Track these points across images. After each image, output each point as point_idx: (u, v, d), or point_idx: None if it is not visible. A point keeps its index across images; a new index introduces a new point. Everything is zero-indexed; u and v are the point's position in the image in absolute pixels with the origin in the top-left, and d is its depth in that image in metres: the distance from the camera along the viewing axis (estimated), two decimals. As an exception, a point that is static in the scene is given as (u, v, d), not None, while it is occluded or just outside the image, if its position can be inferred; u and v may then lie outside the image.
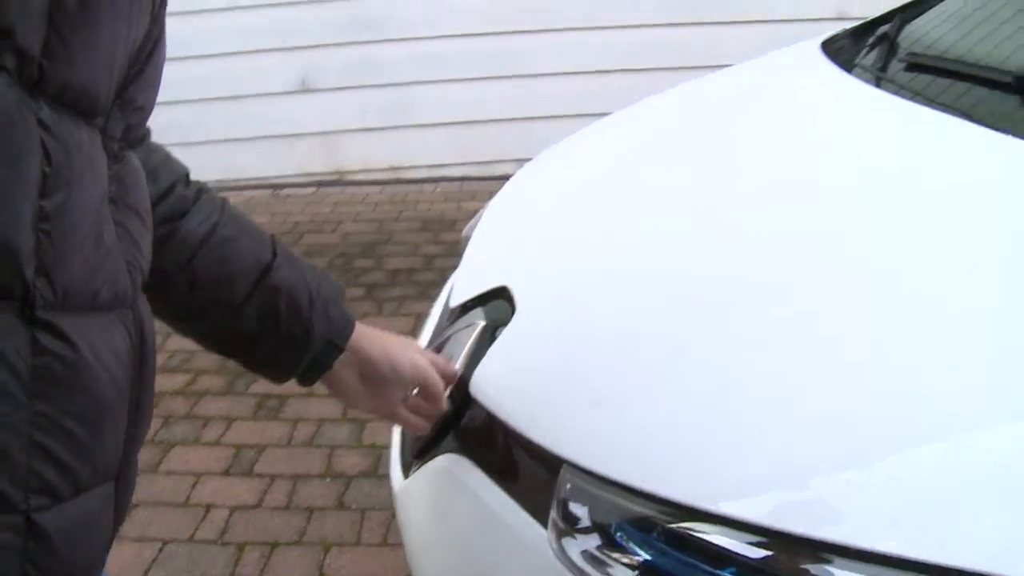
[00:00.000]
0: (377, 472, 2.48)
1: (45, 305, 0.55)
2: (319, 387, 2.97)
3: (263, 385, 2.96)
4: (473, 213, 4.64)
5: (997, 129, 1.16)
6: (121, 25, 0.57)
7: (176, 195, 0.88)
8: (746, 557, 0.77)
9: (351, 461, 2.52)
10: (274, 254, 0.93)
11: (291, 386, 3.05)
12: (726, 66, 1.98)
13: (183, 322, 0.91)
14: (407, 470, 1.27)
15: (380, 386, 1.03)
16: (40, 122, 0.53)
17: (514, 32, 4.53)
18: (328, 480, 2.44)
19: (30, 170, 0.53)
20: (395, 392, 1.05)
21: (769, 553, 0.77)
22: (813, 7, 4.25)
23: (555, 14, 4.50)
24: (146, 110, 0.64)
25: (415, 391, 1.10)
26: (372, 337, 1.02)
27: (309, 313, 0.94)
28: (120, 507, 0.64)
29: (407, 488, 1.24)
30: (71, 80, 0.54)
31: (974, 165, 1.14)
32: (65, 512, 0.57)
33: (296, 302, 0.93)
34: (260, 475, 2.46)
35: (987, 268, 0.94)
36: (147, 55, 0.61)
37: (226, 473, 2.48)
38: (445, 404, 1.11)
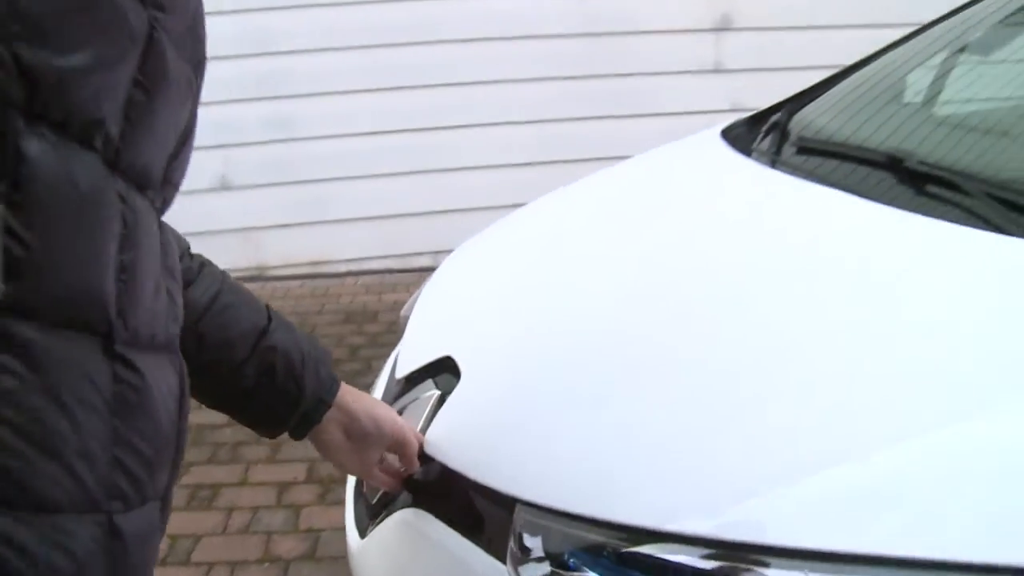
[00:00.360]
0: (315, 555, 2.52)
1: (121, 342, 0.65)
2: (252, 476, 2.98)
3: (195, 476, 2.98)
4: (394, 304, 4.72)
5: (875, 200, 1.34)
6: (172, 114, 0.69)
7: (183, 265, 0.98)
8: (694, 567, 0.90)
9: (288, 546, 2.56)
10: (269, 319, 1.04)
11: (223, 476, 3.06)
12: (629, 156, 2.15)
13: (190, 376, 1.01)
14: (363, 531, 1.36)
15: (362, 442, 1.13)
16: (117, 193, 0.64)
17: (428, 129, 4.70)
18: (267, 565, 2.47)
19: (113, 231, 0.63)
20: (375, 449, 1.15)
21: (717, 564, 0.89)
22: (708, 101, 4.53)
23: (466, 111, 4.70)
24: (178, 187, 0.75)
25: (390, 455, 1.20)
26: (357, 396, 1.13)
27: (301, 371, 1.04)
28: (162, 527, 0.73)
29: (365, 547, 1.33)
30: (136, 160, 0.65)
31: (858, 231, 1.32)
32: (134, 517, 0.66)
33: (290, 362, 1.03)
34: (197, 563, 2.48)
35: (873, 315, 1.10)
36: (184, 139, 0.73)
37: (163, 563, 2.49)
38: (417, 465, 1.21)
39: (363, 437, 1.14)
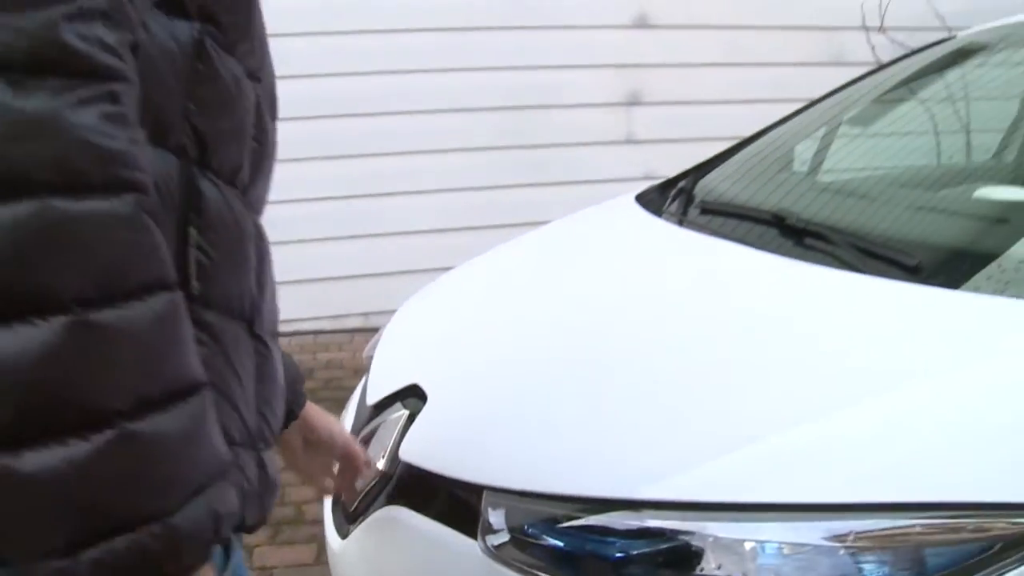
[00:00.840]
0: (265, 592, 2.72)
1: (258, 327, 0.87)
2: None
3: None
4: (327, 363, 4.90)
5: (759, 248, 1.66)
6: (272, 161, 0.91)
7: None
8: (633, 528, 1.16)
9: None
10: None
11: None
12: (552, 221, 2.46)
13: None
14: (344, 534, 1.59)
15: (315, 449, 1.33)
16: (252, 220, 0.87)
17: (359, 196, 4.92)
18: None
19: (252, 248, 0.86)
20: (326, 457, 1.36)
21: (656, 524, 1.16)
22: (622, 169, 4.87)
23: (397, 179, 4.94)
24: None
25: (338, 468, 1.42)
26: (318, 411, 1.34)
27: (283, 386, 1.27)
28: None
29: (346, 547, 1.56)
30: (255, 196, 0.88)
31: (748, 272, 1.63)
32: (268, 457, 0.88)
33: None
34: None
35: (765, 332, 1.41)
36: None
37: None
38: (367, 469, 1.39)
39: (317, 445, 1.34)
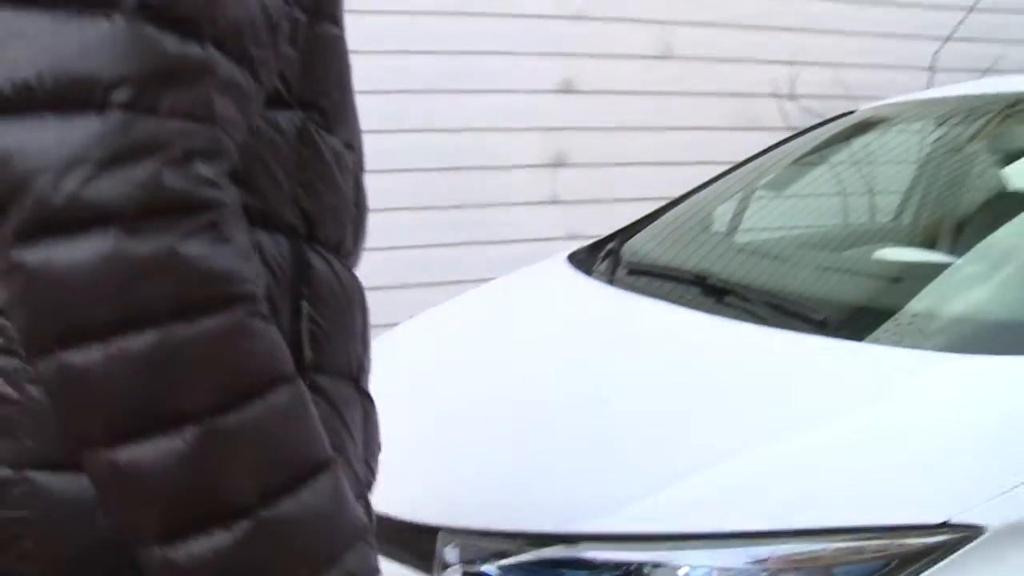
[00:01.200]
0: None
1: (362, 382, 0.93)
2: None
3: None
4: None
5: (683, 306, 1.83)
6: (367, 217, 0.96)
7: None
8: (571, 559, 1.29)
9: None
10: None
11: None
12: (491, 278, 2.60)
13: None
14: None
15: None
16: (358, 284, 0.91)
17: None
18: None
19: (358, 311, 0.91)
20: None
21: (592, 554, 1.29)
22: (547, 229, 5.02)
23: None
24: None
25: None
26: None
27: None
28: None
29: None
30: (355, 260, 0.93)
31: (673, 327, 1.79)
32: (371, 499, 0.94)
33: None
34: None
35: (687, 377, 1.56)
36: None
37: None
38: None
39: None
